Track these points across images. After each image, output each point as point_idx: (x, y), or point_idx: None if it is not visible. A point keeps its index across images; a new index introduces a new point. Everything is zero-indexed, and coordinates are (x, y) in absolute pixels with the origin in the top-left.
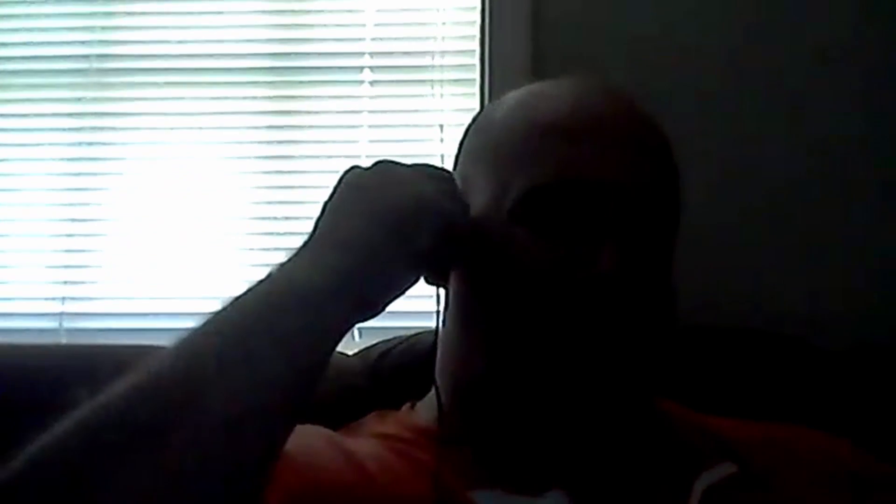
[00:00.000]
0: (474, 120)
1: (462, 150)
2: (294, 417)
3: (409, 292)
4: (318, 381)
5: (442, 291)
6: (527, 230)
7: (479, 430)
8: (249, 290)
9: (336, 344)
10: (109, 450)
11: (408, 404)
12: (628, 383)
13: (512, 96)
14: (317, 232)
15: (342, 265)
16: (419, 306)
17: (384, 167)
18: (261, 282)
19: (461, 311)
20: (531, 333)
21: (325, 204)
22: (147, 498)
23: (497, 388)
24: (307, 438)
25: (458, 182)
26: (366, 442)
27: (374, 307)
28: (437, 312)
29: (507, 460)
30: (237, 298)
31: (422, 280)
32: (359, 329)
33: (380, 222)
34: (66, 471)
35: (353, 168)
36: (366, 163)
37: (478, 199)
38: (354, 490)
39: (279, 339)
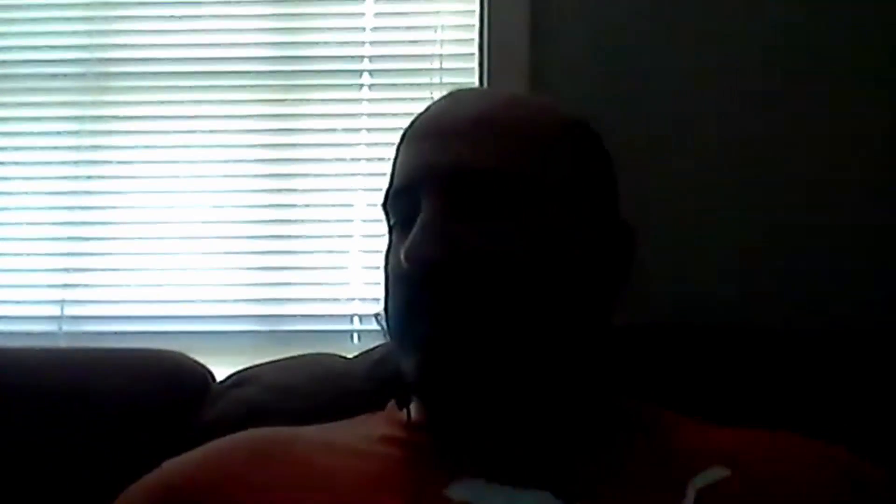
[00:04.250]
0: None
1: None
2: None
3: None
4: None
5: None
6: (394, 230)
7: (440, 424)
8: None
9: None
10: None
11: (392, 401)
12: (494, 357)
13: None
14: None
15: None
16: None
17: None
18: None
19: None
20: (400, 324)
21: None
22: None
23: (413, 383)
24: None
25: None
26: (341, 444)
27: None
28: None
29: (476, 451)
30: None
31: None
32: (358, 332)
33: None
34: None
35: None
36: (364, 167)
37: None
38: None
39: None
